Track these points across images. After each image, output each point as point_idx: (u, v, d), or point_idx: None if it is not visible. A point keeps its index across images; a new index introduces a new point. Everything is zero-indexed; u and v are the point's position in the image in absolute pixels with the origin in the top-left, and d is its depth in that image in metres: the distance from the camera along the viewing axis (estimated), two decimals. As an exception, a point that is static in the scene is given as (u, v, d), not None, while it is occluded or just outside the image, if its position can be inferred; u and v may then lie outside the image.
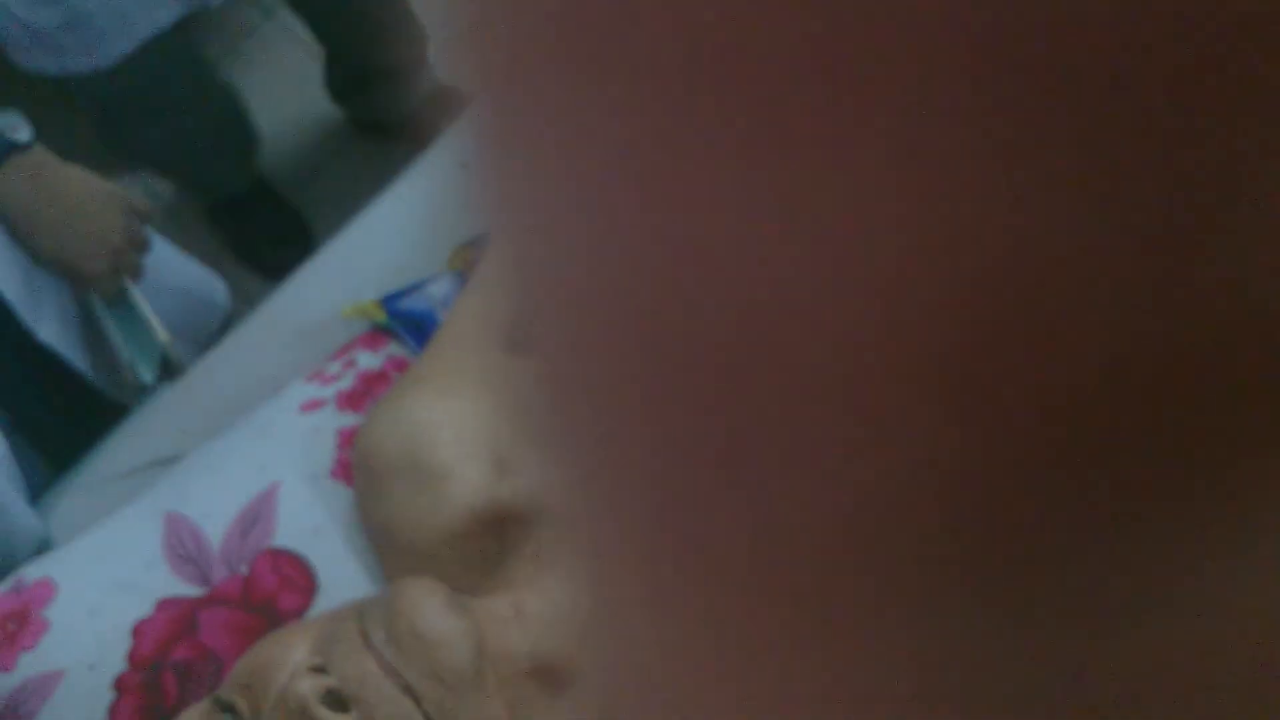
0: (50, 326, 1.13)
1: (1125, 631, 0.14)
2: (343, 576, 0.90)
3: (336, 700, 0.70)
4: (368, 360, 1.01)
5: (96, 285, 1.15)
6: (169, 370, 1.21)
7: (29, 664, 0.89)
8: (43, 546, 1.04)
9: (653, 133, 0.12)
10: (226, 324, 1.37)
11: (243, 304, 1.43)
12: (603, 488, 0.17)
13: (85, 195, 1.14)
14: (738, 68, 0.11)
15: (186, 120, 1.66)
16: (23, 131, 1.10)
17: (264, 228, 1.93)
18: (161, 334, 1.19)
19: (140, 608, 0.89)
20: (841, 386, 0.13)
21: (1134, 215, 0.11)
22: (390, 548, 0.89)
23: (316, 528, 0.92)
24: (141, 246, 1.19)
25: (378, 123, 1.95)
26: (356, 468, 0.90)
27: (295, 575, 0.90)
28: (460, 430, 0.87)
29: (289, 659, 0.73)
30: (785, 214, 0.12)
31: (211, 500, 0.93)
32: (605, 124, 0.13)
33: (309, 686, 0.70)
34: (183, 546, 0.91)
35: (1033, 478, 0.12)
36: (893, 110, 0.11)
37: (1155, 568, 0.13)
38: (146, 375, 1.20)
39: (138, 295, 1.20)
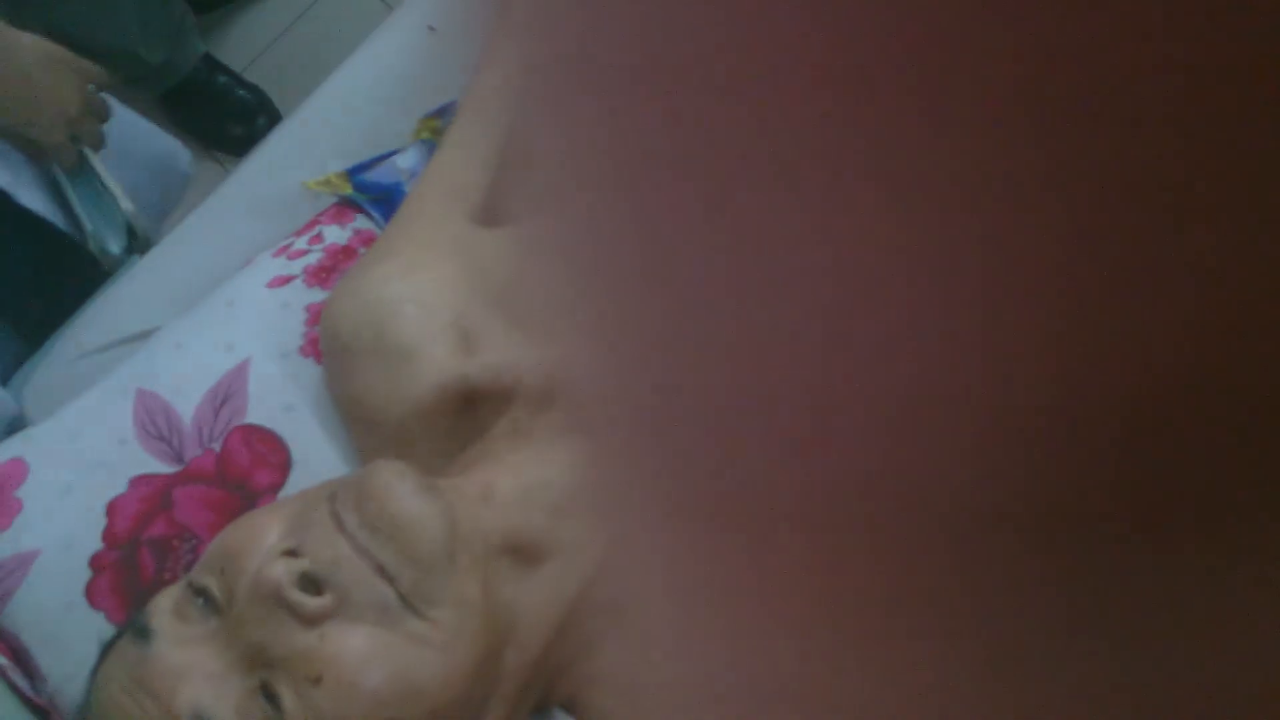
0: (30, 192, 1.11)
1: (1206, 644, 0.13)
2: (316, 452, 0.90)
3: (310, 583, 0.71)
4: (335, 234, 0.99)
5: (55, 156, 1.13)
6: (135, 240, 1.19)
7: (4, 544, 0.89)
8: (15, 424, 1.04)
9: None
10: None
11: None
12: (616, 366, 0.17)
13: (39, 64, 1.11)
14: None
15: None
16: None
17: (223, 107, 1.85)
18: (125, 203, 1.17)
19: (114, 486, 0.89)
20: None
21: None
22: (360, 425, 0.88)
23: (288, 404, 0.91)
24: (100, 114, 1.16)
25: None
26: (323, 346, 0.89)
27: (268, 451, 0.90)
28: (426, 306, 0.86)
29: (262, 542, 0.73)
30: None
31: (182, 377, 0.93)
32: None
33: (283, 570, 0.70)
34: (154, 424, 0.91)
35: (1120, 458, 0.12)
36: None
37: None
38: (112, 246, 1.18)
39: (99, 164, 1.17)
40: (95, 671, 0.75)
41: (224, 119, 1.82)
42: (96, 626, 0.86)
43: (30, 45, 1.11)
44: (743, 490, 0.15)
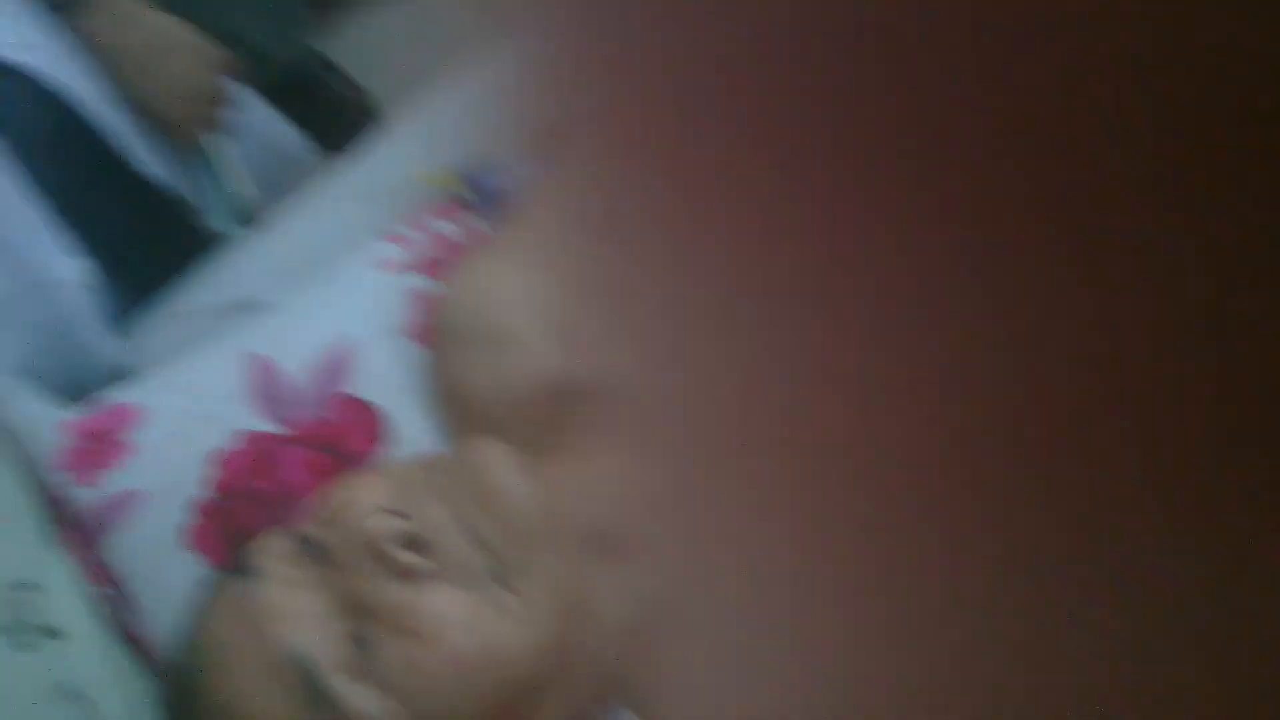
0: (150, 159, 1.17)
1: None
2: (411, 430, 0.95)
3: (411, 543, 0.76)
4: (446, 228, 1.05)
5: (174, 131, 1.19)
6: (249, 222, 1.25)
7: (112, 483, 0.95)
8: (121, 375, 1.09)
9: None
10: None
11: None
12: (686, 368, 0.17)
13: (164, 42, 1.17)
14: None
15: None
16: None
17: (329, 105, 1.90)
18: (244, 185, 1.23)
19: (221, 438, 0.95)
20: None
21: None
22: (458, 409, 0.94)
23: (389, 381, 0.97)
24: (220, 99, 1.22)
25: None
26: (437, 330, 0.94)
27: (368, 423, 0.95)
28: (534, 303, 0.91)
29: (370, 500, 0.78)
30: None
31: (292, 345, 0.98)
32: None
33: (386, 526, 0.75)
34: (263, 385, 0.97)
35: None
36: None
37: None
38: (226, 225, 1.24)
39: (219, 146, 1.23)
40: (200, 606, 0.81)
41: (329, 117, 1.88)
42: (193, 568, 0.91)
43: (160, 25, 1.17)
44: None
